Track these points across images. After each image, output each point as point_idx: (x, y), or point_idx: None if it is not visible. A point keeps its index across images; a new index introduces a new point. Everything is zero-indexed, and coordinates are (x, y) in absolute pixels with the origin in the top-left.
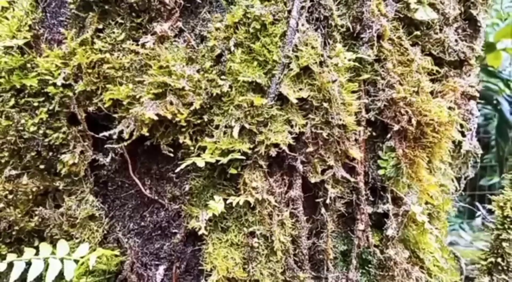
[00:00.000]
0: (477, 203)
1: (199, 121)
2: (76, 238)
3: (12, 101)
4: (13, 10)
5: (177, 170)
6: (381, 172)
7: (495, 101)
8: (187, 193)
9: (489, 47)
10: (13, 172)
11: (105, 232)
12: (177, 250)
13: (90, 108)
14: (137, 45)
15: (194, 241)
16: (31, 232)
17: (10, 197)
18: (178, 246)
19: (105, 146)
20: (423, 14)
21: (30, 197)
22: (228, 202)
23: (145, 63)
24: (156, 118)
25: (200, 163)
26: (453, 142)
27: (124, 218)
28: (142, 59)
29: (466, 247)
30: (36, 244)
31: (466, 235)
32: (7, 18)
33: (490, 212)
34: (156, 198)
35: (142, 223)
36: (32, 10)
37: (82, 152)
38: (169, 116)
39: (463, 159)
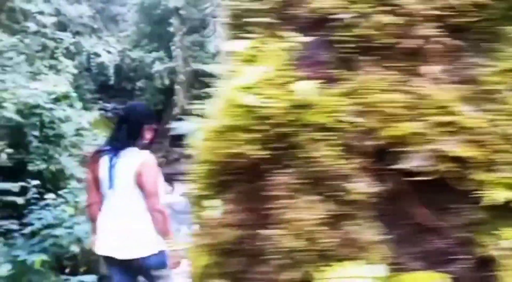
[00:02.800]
0: None
1: (489, 158)
2: (360, 259)
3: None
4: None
5: (476, 206)
6: None
7: None
8: (472, 223)
9: None
10: (311, 198)
11: (388, 255)
12: (466, 276)
13: (375, 143)
14: (411, 86)
15: (483, 267)
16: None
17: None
18: (467, 272)
19: (402, 179)
20: None
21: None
22: None
23: (422, 102)
24: (462, 155)
25: (499, 198)
26: None
27: (404, 243)
28: (417, 98)
29: None
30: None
31: None
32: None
33: None
34: (438, 226)
35: (425, 249)
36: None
37: (367, 181)
38: (465, 154)
39: None
